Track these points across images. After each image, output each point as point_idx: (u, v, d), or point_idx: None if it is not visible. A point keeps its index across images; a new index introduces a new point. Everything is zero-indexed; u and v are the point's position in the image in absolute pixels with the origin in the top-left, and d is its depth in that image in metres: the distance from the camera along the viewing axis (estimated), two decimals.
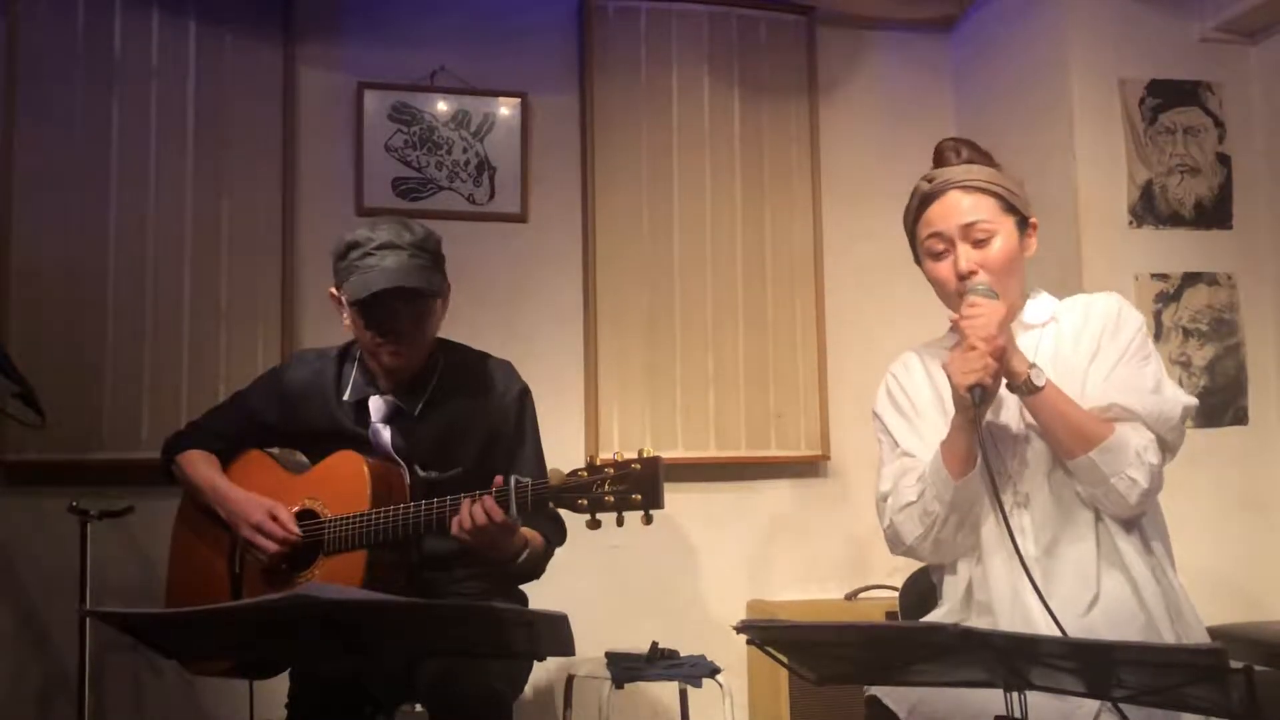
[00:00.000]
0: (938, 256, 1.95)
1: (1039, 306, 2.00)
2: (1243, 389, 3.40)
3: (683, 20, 3.76)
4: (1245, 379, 3.41)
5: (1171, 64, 3.46)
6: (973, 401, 1.77)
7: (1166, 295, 3.35)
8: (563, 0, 3.72)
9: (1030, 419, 1.87)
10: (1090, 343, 1.91)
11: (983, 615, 1.91)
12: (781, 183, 3.79)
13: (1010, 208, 1.95)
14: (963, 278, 1.91)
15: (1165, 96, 3.44)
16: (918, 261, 2.03)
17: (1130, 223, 3.37)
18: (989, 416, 1.88)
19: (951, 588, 1.98)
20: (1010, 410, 1.92)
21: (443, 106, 3.58)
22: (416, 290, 2.25)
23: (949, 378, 1.81)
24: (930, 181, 1.98)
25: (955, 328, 1.89)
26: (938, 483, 1.87)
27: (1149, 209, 3.40)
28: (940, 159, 2.04)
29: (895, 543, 1.97)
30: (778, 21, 3.84)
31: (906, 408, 2.04)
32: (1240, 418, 3.38)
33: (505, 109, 3.63)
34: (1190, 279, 3.40)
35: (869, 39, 3.97)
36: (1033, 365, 1.82)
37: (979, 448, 1.82)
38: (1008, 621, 1.84)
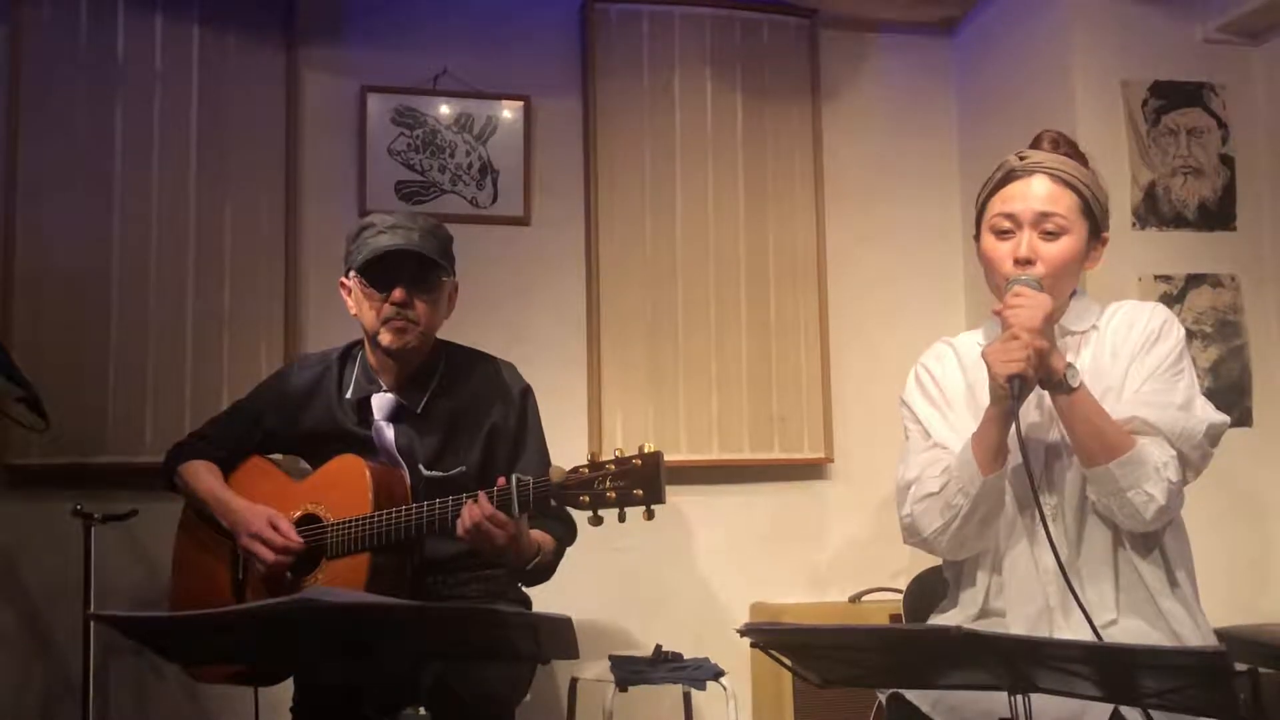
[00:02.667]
0: (1001, 235, 1.90)
1: (1082, 312, 1.95)
2: (1247, 390, 3.40)
3: (685, 23, 3.76)
4: (1249, 380, 3.40)
5: (1174, 65, 3.45)
6: (1010, 393, 1.74)
7: (1170, 297, 3.35)
8: (565, 3, 3.72)
9: (1064, 432, 1.84)
10: (1128, 356, 1.88)
11: (998, 625, 1.90)
12: (784, 185, 3.78)
13: (1089, 213, 1.90)
14: (1018, 263, 1.86)
15: (1168, 98, 3.44)
16: (976, 236, 1.98)
17: (1134, 224, 3.37)
18: (1024, 422, 1.83)
19: (970, 598, 1.96)
20: (1045, 421, 1.90)
21: (445, 110, 3.59)
22: (422, 259, 2.27)
23: (988, 367, 1.78)
24: (1021, 159, 1.92)
25: (997, 316, 1.85)
26: (964, 476, 1.83)
27: (1152, 210, 3.40)
28: (1036, 144, 1.97)
29: (911, 533, 1.93)
30: (780, 24, 3.84)
31: (938, 398, 2.01)
32: (1245, 419, 3.37)
33: (508, 112, 3.63)
34: (1194, 280, 3.40)
35: (871, 42, 3.97)
36: (1070, 364, 1.80)
37: (1018, 449, 1.78)
38: (1026, 633, 1.82)
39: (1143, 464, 1.76)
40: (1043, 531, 1.78)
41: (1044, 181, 1.89)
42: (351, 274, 2.33)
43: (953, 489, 1.85)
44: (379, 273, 2.28)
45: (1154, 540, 1.85)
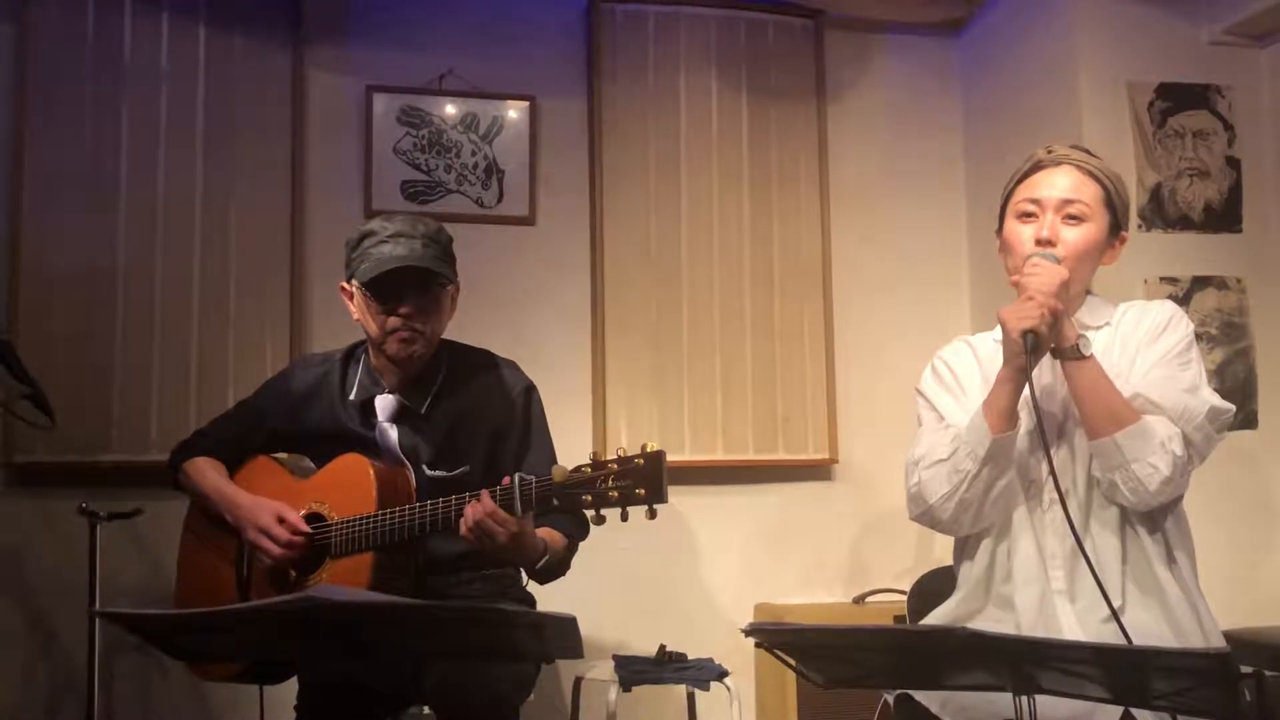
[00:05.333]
0: (1024, 218, 1.96)
1: (1096, 309, 2.00)
2: (1252, 393, 3.39)
3: (690, 24, 3.76)
4: (1255, 382, 3.40)
5: (1180, 67, 3.45)
6: (1024, 348, 1.78)
7: (1176, 299, 3.34)
8: (570, 3, 3.72)
9: (1076, 415, 1.87)
10: (1136, 346, 1.93)
11: (1004, 609, 1.91)
12: (789, 186, 3.78)
13: (1111, 206, 1.97)
14: (1039, 244, 1.91)
15: (1174, 100, 3.43)
16: (999, 229, 2.03)
17: (1139, 226, 3.36)
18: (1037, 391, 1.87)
19: (966, 573, 1.98)
20: (1057, 405, 1.93)
21: (451, 109, 3.59)
22: (428, 272, 2.26)
23: (1002, 325, 1.83)
24: (1049, 152, 1.99)
25: (1015, 287, 1.90)
26: (973, 439, 1.86)
27: (1158, 212, 3.39)
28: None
29: (917, 503, 1.95)
30: (785, 25, 3.84)
31: (953, 385, 2.05)
32: (1250, 421, 3.36)
33: (513, 112, 3.63)
34: (1199, 283, 3.39)
35: (877, 42, 3.97)
36: (1082, 335, 1.85)
37: (1028, 428, 1.80)
38: (1031, 620, 1.85)
39: (1148, 437, 1.78)
40: (1047, 518, 1.84)
41: (1070, 171, 1.96)
42: (353, 281, 2.33)
43: (962, 454, 1.88)
44: (383, 288, 2.27)
45: (1158, 524, 1.87)
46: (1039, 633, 1.83)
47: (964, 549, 2.01)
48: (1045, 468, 1.87)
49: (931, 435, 1.99)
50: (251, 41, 3.46)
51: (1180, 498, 1.90)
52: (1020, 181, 2.00)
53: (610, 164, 3.66)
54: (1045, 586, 1.86)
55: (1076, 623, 1.82)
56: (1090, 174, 1.96)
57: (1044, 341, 1.81)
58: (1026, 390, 1.81)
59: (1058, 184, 1.95)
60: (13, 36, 3.30)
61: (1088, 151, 2.01)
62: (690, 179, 3.71)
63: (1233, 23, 3.41)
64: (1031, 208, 1.96)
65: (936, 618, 2.00)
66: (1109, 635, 1.78)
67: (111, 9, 3.37)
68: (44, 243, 3.26)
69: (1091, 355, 1.84)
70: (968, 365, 2.06)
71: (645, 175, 3.69)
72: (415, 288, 2.28)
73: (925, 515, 1.95)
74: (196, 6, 3.43)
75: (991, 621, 1.91)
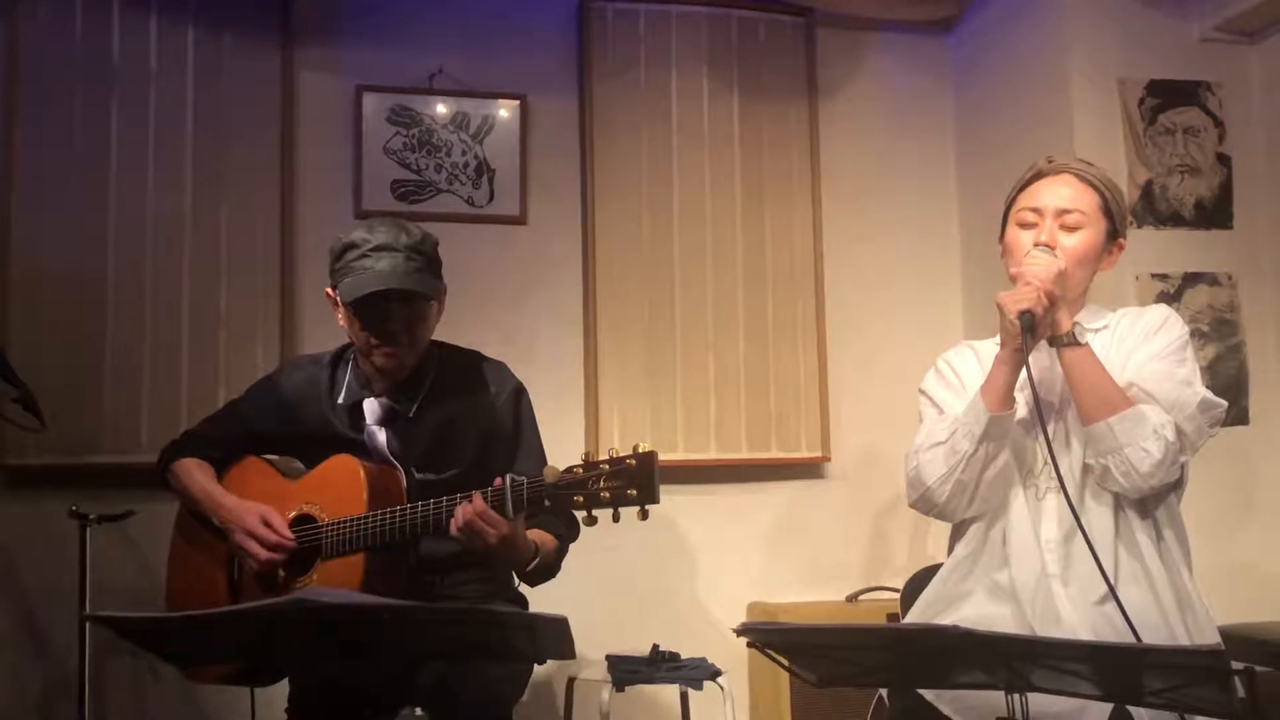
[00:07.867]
0: (1024, 226, 2.03)
1: (1095, 314, 2.06)
2: (1244, 389, 3.40)
3: (682, 22, 3.76)
4: (1246, 379, 3.40)
5: (1171, 64, 3.45)
6: (1021, 327, 1.84)
7: (1167, 295, 3.34)
8: (562, 2, 3.72)
9: (1073, 402, 1.91)
10: (1131, 344, 1.98)
11: (995, 595, 1.93)
12: (781, 184, 3.78)
13: (1108, 213, 2.03)
14: (1038, 246, 1.97)
15: (1165, 97, 3.44)
16: (1001, 236, 2.08)
17: (1131, 223, 3.36)
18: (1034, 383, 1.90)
19: (954, 552, 2.01)
20: (1054, 393, 1.96)
21: (441, 109, 3.58)
22: (410, 293, 2.25)
23: (1000, 309, 1.88)
24: (1050, 162, 2.07)
25: (1013, 280, 1.95)
26: (970, 419, 1.91)
27: (1149, 209, 3.40)
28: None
29: (915, 486, 1.99)
30: (777, 23, 3.83)
31: (955, 385, 2.10)
32: (1242, 418, 3.37)
33: (504, 111, 3.62)
34: (1191, 279, 3.40)
35: (868, 40, 3.97)
36: (1077, 322, 1.91)
37: (1026, 411, 1.85)
38: (1029, 597, 1.87)
39: (1141, 422, 1.82)
40: (1043, 504, 1.90)
41: (1070, 180, 2.03)
42: (337, 295, 2.31)
43: (960, 434, 1.92)
44: (363, 311, 2.25)
45: (1149, 510, 1.90)
46: (1037, 614, 1.86)
47: (956, 533, 2.05)
48: (1041, 455, 1.93)
49: (931, 425, 2.04)
50: (241, 41, 3.45)
51: (1174, 487, 1.93)
52: (1022, 190, 2.07)
53: (602, 163, 3.65)
54: (1040, 569, 1.89)
55: (1070, 605, 1.85)
56: (1088, 182, 2.02)
57: (1040, 323, 1.86)
58: (1025, 376, 1.85)
59: (1057, 193, 2.01)
60: (2, 37, 3.28)
61: (1087, 162, 2.07)
62: (682, 177, 3.71)
63: (1223, 19, 3.41)
64: (1032, 216, 2.02)
65: (923, 601, 2.03)
66: (1101, 617, 1.82)
67: (100, 9, 3.35)
68: (34, 244, 3.24)
69: (1087, 343, 1.89)
70: (970, 367, 2.11)
71: (637, 174, 3.68)
72: (399, 305, 2.26)
73: (923, 499, 1.99)
74: (186, 6, 3.42)
75: (982, 610, 1.94)
